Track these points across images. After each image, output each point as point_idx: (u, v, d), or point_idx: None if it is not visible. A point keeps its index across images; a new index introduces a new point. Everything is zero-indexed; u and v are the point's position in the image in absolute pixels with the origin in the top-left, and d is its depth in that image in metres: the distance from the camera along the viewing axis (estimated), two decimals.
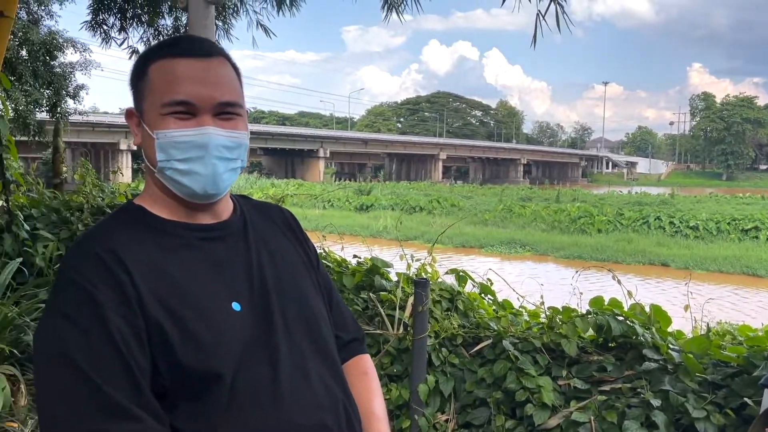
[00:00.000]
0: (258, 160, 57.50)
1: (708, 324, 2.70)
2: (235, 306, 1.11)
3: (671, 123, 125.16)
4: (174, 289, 1.06)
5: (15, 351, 2.77)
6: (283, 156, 55.15)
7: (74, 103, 12.71)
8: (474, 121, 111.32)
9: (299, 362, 1.14)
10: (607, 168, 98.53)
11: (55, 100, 11.63)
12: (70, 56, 12.28)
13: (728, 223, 22.72)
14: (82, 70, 12.53)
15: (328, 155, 55.41)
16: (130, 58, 6.93)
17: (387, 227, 23.59)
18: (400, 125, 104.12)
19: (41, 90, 11.42)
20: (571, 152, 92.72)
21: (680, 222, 23.49)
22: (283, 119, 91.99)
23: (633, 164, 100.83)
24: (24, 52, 11.05)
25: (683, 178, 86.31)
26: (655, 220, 23.83)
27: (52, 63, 11.44)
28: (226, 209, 1.23)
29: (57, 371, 0.97)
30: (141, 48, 6.67)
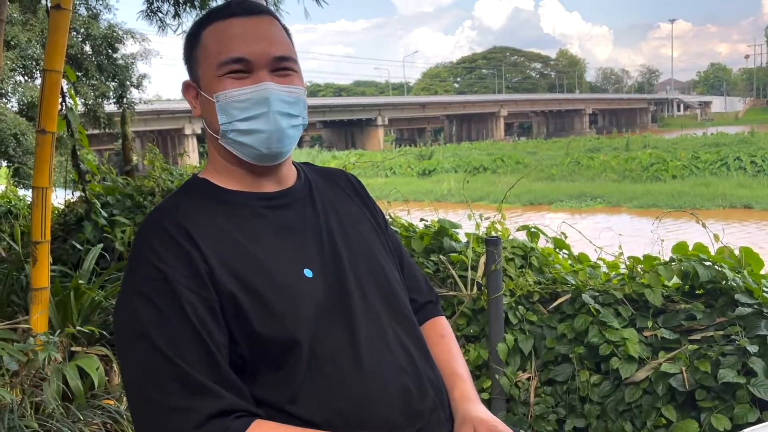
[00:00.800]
0: (318, 134, 58.06)
1: None
2: (307, 272, 1.10)
3: (746, 56, 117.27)
4: (244, 260, 1.05)
5: (104, 333, 2.90)
6: (342, 127, 55.40)
7: (138, 92, 13.12)
8: (534, 74, 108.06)
9: (376, 325, 1.12)
10: (679, 111, 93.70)
11: (120, 92, 12.04)
12: (130, 47, 12.65)
13: None
14: (143, 59, 12.88)
15: (386, 123, 55.23)
16: None
17: (451, 190, 23.41)
18: (457, 85, 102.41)
19: (107, 83, 11.83)
20: (639, 97, 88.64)
21: (762, 161, 22.18)
22: (339, 90, 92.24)
23: (707, 104, 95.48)
24: (87, 47, 11.45)
25: (763, 115, 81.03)
26: (734, 160, 22.59)
27: (114, 56, 11.81)
28: (290, 176, 1.21)
29: (136, 349, 0.99)
30: None
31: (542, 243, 3.17)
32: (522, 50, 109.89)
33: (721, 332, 2.23)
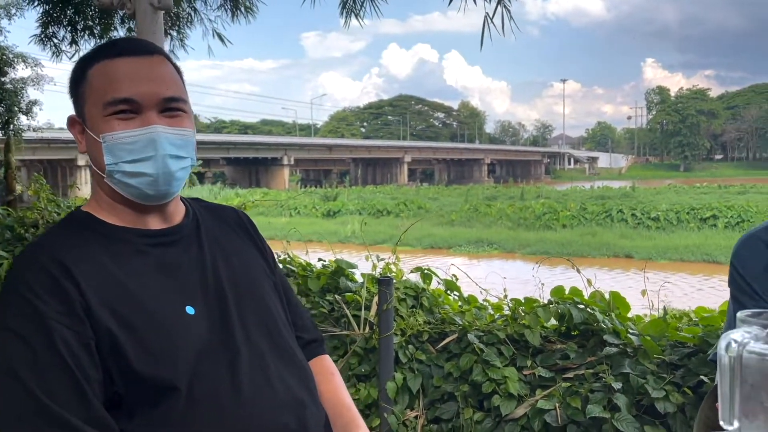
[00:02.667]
0: (221, 171, 56.87)
1: (665, 307, 2.77)
2: (189, 310, 1.10)
3: (629, 117, 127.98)
4: (124, 296, 1.04)
5: None
6: (247, 165, 54.66)
7: (27, 119, 12.39)
8: (437, 123, 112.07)
9: (259, 363, 1.13)
10: (569, 164, 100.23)
11: (7, 117, 11.33)
12: (21, 71, 11.98)
13: (687, 213, 23.34)
14: (34, 85, 12.22)
15: (292, 162, 55.12)
16: None
17: (355, 232, 23.53)
18: (363, 129, 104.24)
19: None
20: (534, 150, 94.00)
21: (641, 214, 24.01)
22: (245, 128, 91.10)
23: (594, 159, 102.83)
24: None
25: (643, 171, 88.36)
26: (617, 213, 24.31)
27: (2, 79, 11.15)
28: (177, 212, 1.21)
29: (4, 387, 0.96)
30: None
31: (436, 285, 3.30)
32: (426, 100, 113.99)
33: (591, 370, 2.41)
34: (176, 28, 6.73)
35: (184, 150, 1.13)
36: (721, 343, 0.74)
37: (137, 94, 1.08)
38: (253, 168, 54.80)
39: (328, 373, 1.36)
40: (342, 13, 4.23)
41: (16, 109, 11.56)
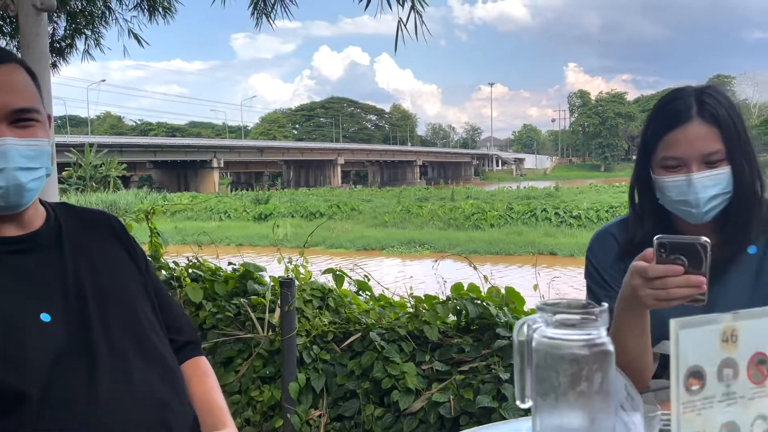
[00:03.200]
0: (148, 174, 55.09)
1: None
2: (45, 317, 1.10)
3: (553, 120, 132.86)
4: None
5: None
6: (175, 168, 53.19)
7: None
8: (369, 126, 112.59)
9: (121, 367, 1.14)
10: (498, 165, 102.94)
11: None
12: None
13: (606, 211, 24.38)
14: None
15: (222, 165, 54.04)
16: None
17: (287, 235, 23.33)
18: (296, 132, 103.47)
19: None
20: (464, 152, 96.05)
21: (564, 212, 24.95)
22: (173, 130, 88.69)
23: (521, 161, 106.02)
24: None
25: (567, 171, 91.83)
26: (542, 212, 25.15)
27: None
28: (35, 219, 1.20)
29: None
30: None
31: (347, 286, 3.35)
32: (358, 102, 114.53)
33: (484, 363, 2.51)
34: (90, 27, 6.51)
35: (37, 161, 1.12)
36: (515, 328, 0.81)
37: None
38: (181, 171, 53.39)
39: (201, 374, 1.37)
40: (253, 14, 4.21)
41: None
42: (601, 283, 1.48)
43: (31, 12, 2.20)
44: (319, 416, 2.67)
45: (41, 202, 1.24)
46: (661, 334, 1.31)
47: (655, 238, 1.11)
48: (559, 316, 0.78)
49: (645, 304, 1.15)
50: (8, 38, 6.49)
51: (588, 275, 1.54)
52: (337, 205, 30.80)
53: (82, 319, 1.14)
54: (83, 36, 6.46)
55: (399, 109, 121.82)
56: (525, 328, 0.80)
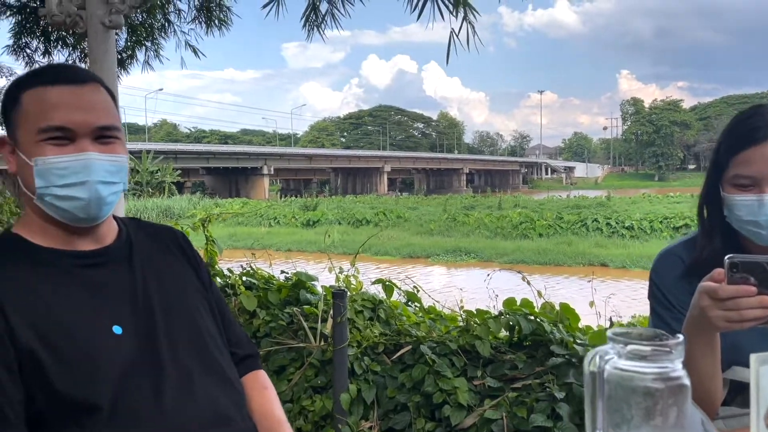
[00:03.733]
0: (201, 180, 56.52)
1: (611, 318, 2.85)
2: (116, 329, 1.14)
3: (605, 128, 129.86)
4: (48, 317, 1.08)
5: None
6: (227, 175, 54.40)
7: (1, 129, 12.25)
8: (416, 133, 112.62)
9: (185, 381, 1.17)
10: (547, 174, 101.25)
11: None
12: None
13: (660, 222, 23.72)
14: None
15: (272, 172, 54.97)
16: None
17: (335, 242, 23.52)
18: (343, 139, 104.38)
19: None
20: (511, 160, 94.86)
21: (616, 223, 24.36)
22: (225, 138, 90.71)
23: (571, 169, 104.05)
24: None
25: (618, 180, 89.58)
26: (592, 222, 24.63)
27: None
28: (109, 233, 1.25)
29: None
30: None
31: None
32: (406, 110, 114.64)
33: (538, 380, 2.47)
34: (150, 38, 6.75)
35: (117, 176, 1.17)
36: (586, 359, 0.80)
37: (71, 123, 1.11)
38: (232, 178, 54.56)
39: (261, 387, 1.40)
40: (304, 26, 4.29)
41: None
42: (666, 304, 1.44)
43: (100, 29, 2.30)
44: (370, 428, 2.67)
45: (113, 217, 1.29)
46: (731, 358, 1.26)
47: (726, 257, 1.07)
48: (630, 347, 0.76)
49: (715, 326, 1.11)
50: (71, 49, 6.80)
51: (652, 296, 1.50)
52: (383, 213, 30.90)
53: (150, 333, 1.18)
54: (143, 47, 6.71)
55: (446, 116, 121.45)
56: (597, 359, 0.78)
